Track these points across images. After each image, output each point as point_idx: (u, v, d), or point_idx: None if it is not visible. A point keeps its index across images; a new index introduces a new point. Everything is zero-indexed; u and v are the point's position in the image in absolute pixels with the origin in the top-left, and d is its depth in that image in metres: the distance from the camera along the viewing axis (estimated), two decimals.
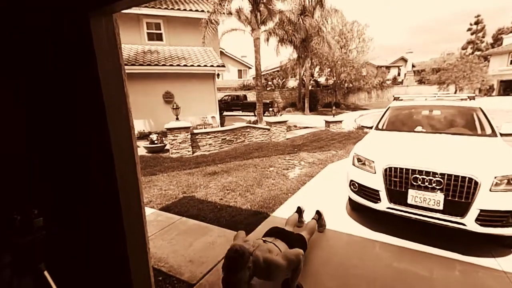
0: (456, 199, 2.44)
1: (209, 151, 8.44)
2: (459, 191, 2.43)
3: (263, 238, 2.14)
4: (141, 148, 8.31)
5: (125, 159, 1.34)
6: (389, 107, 4.50)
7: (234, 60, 31.48)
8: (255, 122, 12.36)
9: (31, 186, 1.48)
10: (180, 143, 7.83)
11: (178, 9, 11.98)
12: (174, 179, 5.22)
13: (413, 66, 37.27)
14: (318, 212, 3.00)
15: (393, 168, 2.74)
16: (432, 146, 3.11)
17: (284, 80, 30.11)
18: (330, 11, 17.04)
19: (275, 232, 2.26)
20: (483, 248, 2.62)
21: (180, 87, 11.72)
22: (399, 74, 37.33)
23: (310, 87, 22.99)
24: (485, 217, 2.36)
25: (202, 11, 12.12)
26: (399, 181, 2.70)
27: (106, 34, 1.22)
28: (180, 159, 7.40)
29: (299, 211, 3.10)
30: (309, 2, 17.77)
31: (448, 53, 27.91)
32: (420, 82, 32.64)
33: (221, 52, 17.14)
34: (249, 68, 32.02)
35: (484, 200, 2.35)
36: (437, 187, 2.51)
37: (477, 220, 2.37)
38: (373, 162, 2.95)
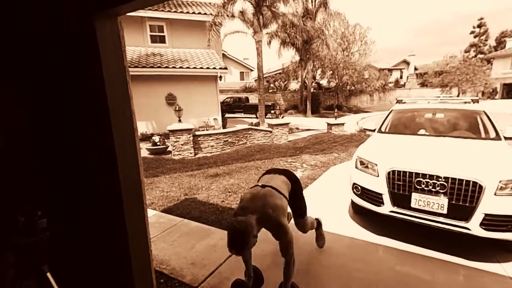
0: (460, 203, 2.41)
1: (211, 153, 8.44)
2: (463, 195, 2.40)
3: (260, 184, 2.02)
4: (144, 150, 8.33)
5: (128, 161, 1.34)
6: (392, 110, 4.48)
7: (236, 63, 31.62)
8: (257, 124, 12.37)
9: (31, 186, 1.48)
10: (182, 145, 7.84)
11: (181, 12, 12.06)
12: (176, 181, 5.22)
13: (415, 68, 37.17)
14: (318, 221, 2.63)
15: (396, 171, 2.72)
16: (435, 150, 3.08)
17: (286, 82, 30.19)
18: (332, 14, 17.11)
19: (272, 171, 2.28)
20: (488, 253, 2.58)
21: (182, 89, 11.77)
22: (401, 77, 37.24)
23: (312, 90, 22.98)
24: (490, 222, 2.33)
25: (205, 13, 12.20)
26: (403, 184, 2.68)
27: (111, 36, 1.23)
28: (182, 161, 7.40)
29: None
30: (312, 4, 17.83)
31: (451, 56, 27.89)
32: (423, 85, 32.60)
33: (223, 54, 17.20)
34: (251, 70, 32.14)
35: (489, 204, 2.32)
36: (441, 191, 2.48)
37: (481, 224, 2.34)
38: (376, 165, 2.94)
